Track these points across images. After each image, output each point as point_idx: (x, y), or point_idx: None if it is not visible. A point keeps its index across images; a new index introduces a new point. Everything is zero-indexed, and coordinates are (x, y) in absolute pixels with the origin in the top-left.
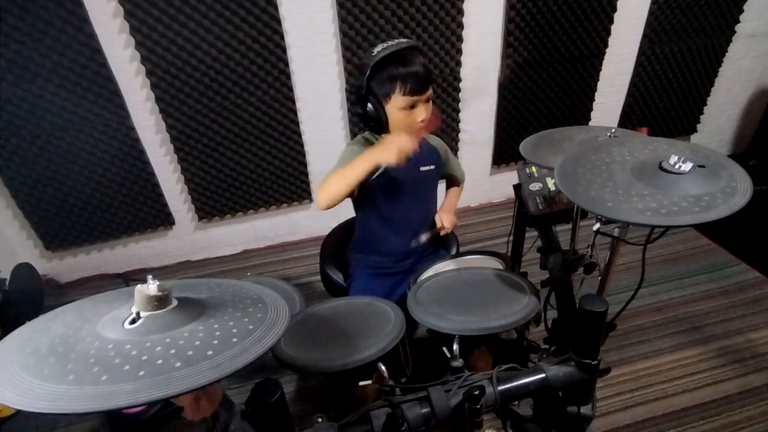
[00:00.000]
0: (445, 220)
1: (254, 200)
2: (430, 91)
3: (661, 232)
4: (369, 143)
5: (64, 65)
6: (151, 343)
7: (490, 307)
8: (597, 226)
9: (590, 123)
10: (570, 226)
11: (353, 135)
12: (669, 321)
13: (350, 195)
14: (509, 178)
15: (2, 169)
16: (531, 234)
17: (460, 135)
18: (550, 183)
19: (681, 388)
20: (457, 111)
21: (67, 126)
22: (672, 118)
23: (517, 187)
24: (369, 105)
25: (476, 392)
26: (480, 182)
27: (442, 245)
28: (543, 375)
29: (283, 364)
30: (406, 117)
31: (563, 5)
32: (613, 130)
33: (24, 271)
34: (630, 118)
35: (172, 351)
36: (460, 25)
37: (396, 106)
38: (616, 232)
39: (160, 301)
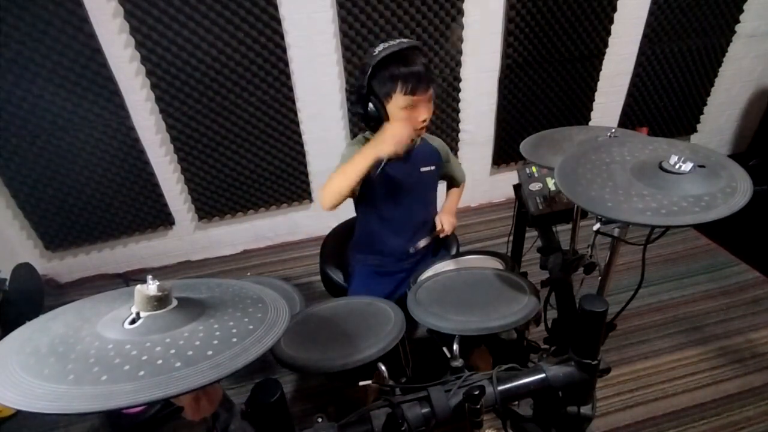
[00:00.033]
0: (445, 222)
1: (254, 200)
2: (431, 91)
3: (661, 232)
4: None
5: (64, 65)
6: (151, 343)
7: (490, 307)
8: (597, 226)
9: (590, 123)
10: (570, 226)
11: (353, 135)
12: (669, 321)
13: (352, 194)
14: (509, 178)
15: (2, 169)
16: (531, 234)
17: (460, 135)
18: (550, 183)
19: (681, 388)
20: (457, 111)
21: (67, 126)
22: (672, 118)
23: (517, 187)
24: (370, 104)
25: (476, 392)
26: (480, 182)
27: (443, 245)
28: (543, 375)
29: (283, 364)
30: (408, 117)
31: (563, 5)
32: (613, 130)
33: (24, 271)
34: (630, 118)
35: (172, 351)
36: (460, 25)
37: (397, 105)
38: (616, 232)
39: (160, 301)
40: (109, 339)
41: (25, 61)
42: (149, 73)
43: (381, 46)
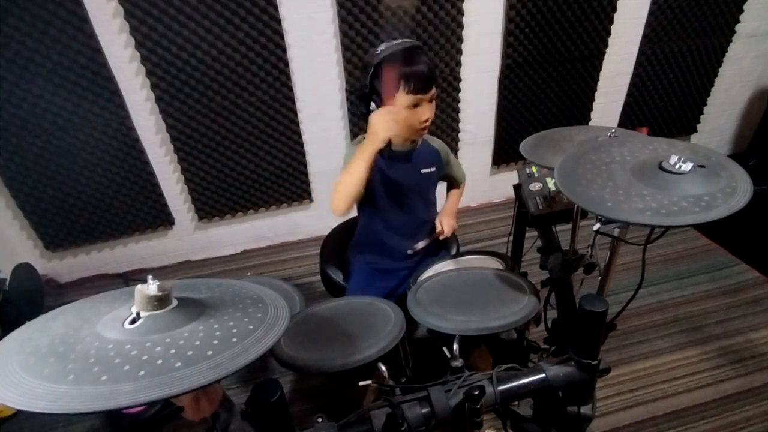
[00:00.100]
0: (445, 224)
1: (254, 200)
2: (433, 91)
3: (661, 232)
4: None
5: (64, 65)
6: (151, 343)
7: (490, 307)
8: (597, 226)
9: (590, 123)
10: (570, 226)
11: (353, 135)
12: (669, 321)
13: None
14: (509, 178)
15: (2, 169)
16: (531, 234)
17: (460, 135)
18: (550, 183)
19: (681, 388)
20: (457, 111)
21: (67, 126)
22: (672, 118)
23: (517, 187)
24: (372, 104)
25: (476, 392)
26: (480, 182)
27: (443, 246)
28: (543, 375)
29: (283, 364)
30: (410, 116)
31: (563, 5)
32: (613, 130)
33: (24, 271)
34: (630, 118)
35: (172, 351)
36: (460, 25)
37: (399, 104)
38: (616, 232)
39: (160, 301)
40: (109, 339)
41: (25, 61)
42: (149, 73)
43: (383, 45)
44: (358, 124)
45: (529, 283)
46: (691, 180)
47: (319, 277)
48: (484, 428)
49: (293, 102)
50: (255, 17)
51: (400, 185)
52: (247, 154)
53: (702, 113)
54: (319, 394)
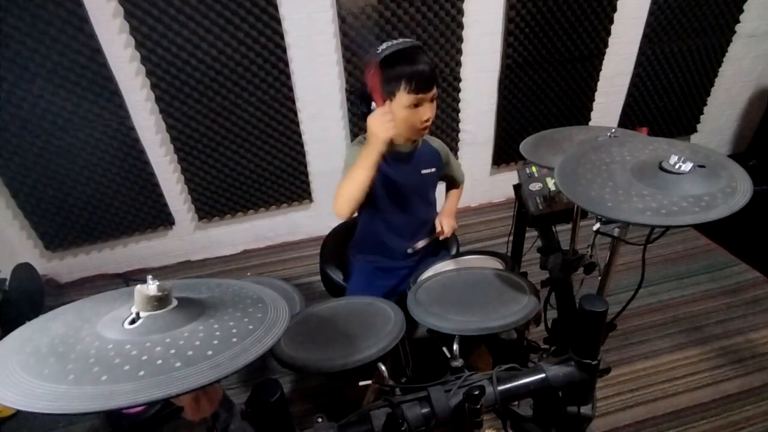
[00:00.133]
0: (445, 224)
1: (254, 200)
2: (434, 91)
3: (661, 232)
4: None
5: (64, 65)
6: (151, 343)
7: (490, 307)
8: (597, 226)
9: (590, 123)
10: (570, 226)
11: (353, 135)
12: (669, 321)
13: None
14: (509, 178)
15: (2, 169)
16: (531, 234)
17: (460, 135)
18: (550, 183)
19: (681, 388)
20: (457, 111)
21: (67, 126)
22: (672, 118)
23: (517, 187)
24: (373, 103)
25: (476, 392)
26: (480, 182)
27: (443, 246)
28: (543, 375)
29: (283, 364)
30: (411, 115)
31: (563, 5)
32: (613, 130)
33: (24, 271)
34: (630, 118)
35: (172, 351)
36: (460, 25)
37: (401, 104)
38: (616, 232)
39: (160, 301)
40: (109, 339)
41: (25, 61)
42: (149, 73)
43: (384, 45)
44: (358, 124)
45: (529, 283)
46: (691, 180)
47: (319, 277)
48: (484, 428)
49: (293, 102)
50: (255, 17)
51: (401, 186)
52: (247, 154)
53: (702, 113)
54: (319, 394)
